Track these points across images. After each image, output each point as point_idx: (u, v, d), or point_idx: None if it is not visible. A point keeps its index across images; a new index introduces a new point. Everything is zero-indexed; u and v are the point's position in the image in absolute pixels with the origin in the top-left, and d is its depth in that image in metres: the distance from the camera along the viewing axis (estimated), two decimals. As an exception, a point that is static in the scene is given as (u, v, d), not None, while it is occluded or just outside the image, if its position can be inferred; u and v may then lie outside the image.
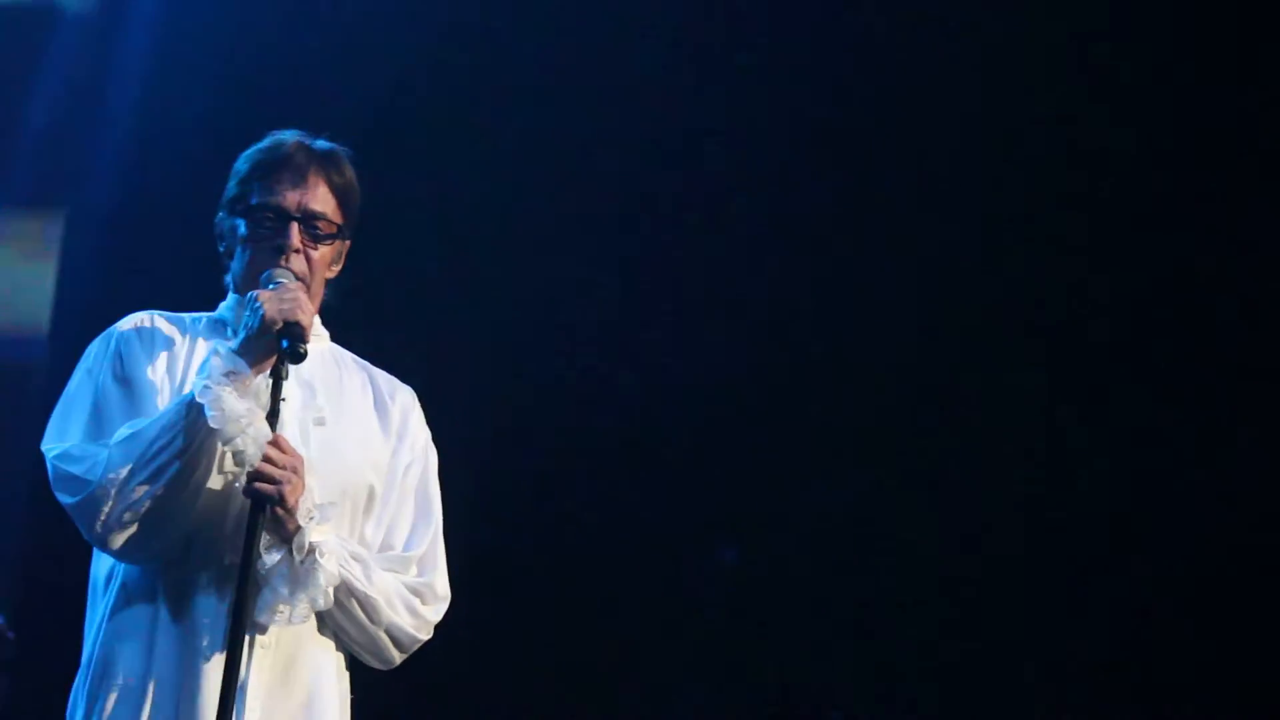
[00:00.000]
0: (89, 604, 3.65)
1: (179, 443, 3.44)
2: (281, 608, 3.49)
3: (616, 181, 6.86)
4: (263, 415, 3.48)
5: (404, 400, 3.86)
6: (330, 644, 3.65)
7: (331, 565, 3.54)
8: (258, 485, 3.44)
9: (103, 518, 3.45)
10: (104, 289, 6.63)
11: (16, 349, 6.84)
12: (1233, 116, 6.68)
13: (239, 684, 3.41)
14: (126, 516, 3.44)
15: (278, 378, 3.52)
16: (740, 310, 6.93)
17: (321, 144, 3.75)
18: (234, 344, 3.53)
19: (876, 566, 6.80)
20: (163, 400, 3.58)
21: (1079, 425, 6.77)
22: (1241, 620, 6.56)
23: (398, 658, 3.73)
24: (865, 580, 6.79)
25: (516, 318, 6.82)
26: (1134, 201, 6.75)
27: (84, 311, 6.55)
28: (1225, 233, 6.68)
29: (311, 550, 3.51)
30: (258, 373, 3.51)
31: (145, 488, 3.44)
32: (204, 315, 3.78)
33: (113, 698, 3.49)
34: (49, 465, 3.55)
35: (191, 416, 3.45)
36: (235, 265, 3.73)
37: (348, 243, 3.78)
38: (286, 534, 3.49)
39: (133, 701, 3.47)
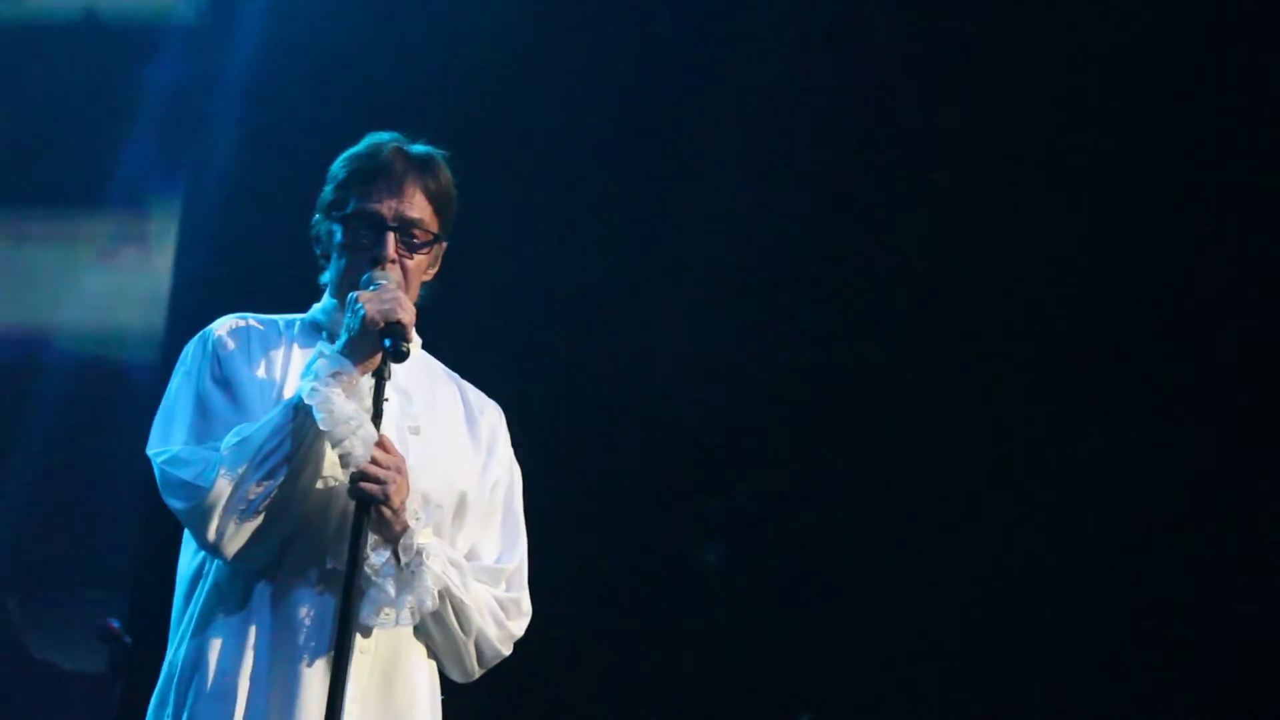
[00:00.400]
0: (176, 603, 3.66)
1: (288, 445, 3.46)
2: (387, 610, 3.50)
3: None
4: (369, 417, 3.49)
5: (492, 416, 3.87)
6: (424, 649, 3.65)
7: (437, 568, 3.55)
8: (363, 485, 3.44)
9: (216, 523, 3.46)
10: (217, 289, 6.71)
11: (131, 351, 6.95)
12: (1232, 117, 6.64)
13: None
14: (239, 520, 3.46)
15: (380, 379, 3.53)
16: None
17: (419, 148, 3.75)
18: (337, 346, 3.54)
19: (853, 567, 6.80)
20: (264, 401, 3.59)
21: (1080, 434, 6.74)
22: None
23: (478, 670, 3.73)
24: (843, 582, 6.80)
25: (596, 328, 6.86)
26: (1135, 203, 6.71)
27: (197, 312, 6.64)
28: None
29: (419, 552, 3.52)
30: (362, 373, 3.52)
31: (258, 491, 3.46)
32: (296, 318, 3.79)
33: (203, 698, 3.49)
34: (156, 470, 3.57)
35: (300, 419, 3.47)
36: (331, 270, 3.74)
37: (444, 246, 3.78)
38: (393, 535, 3.50)
39: (224, 702, 3.48)
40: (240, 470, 3.46)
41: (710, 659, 6.82)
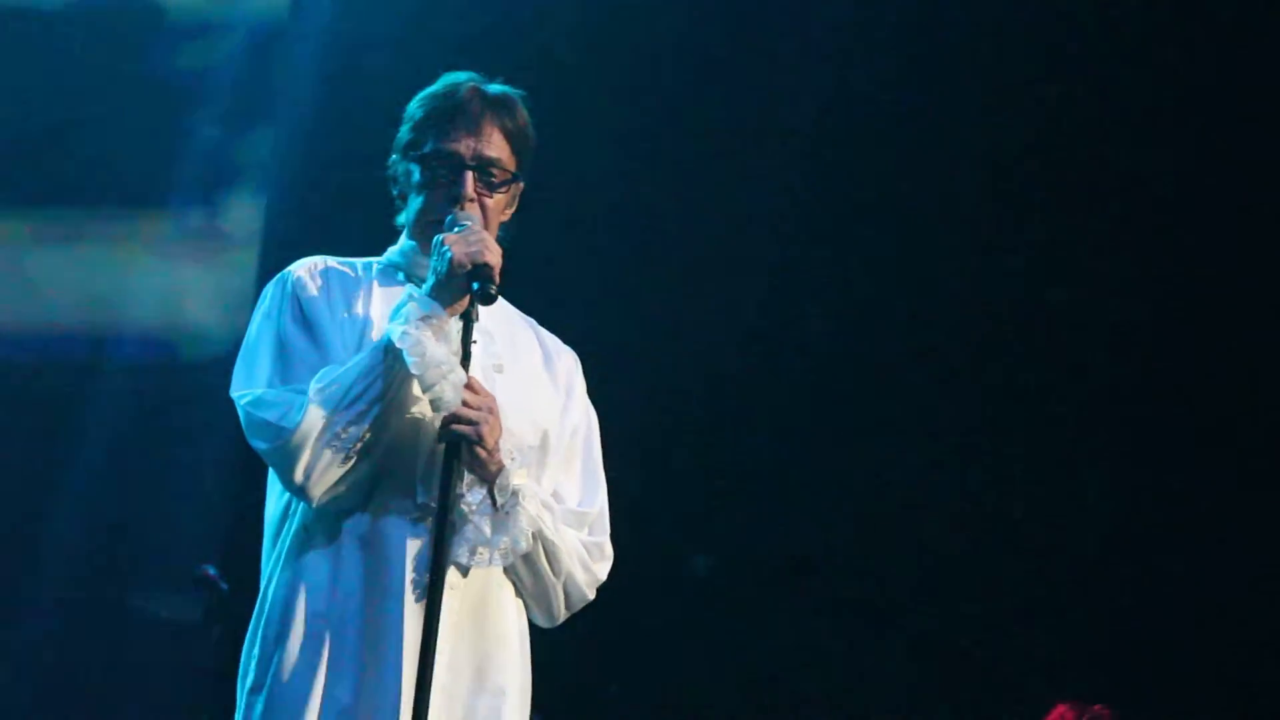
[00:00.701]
0: (265, 544, 3.66)
1: (378, 387, 3.46)
2: (481, 549, 3.50)
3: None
4: (458, 360, 3.49)
5: (568, 361, 3.85)
6: (511, 588, 3.64)
7: (531, 509, 3.55)
8: (456, 427, 3.44)
9: (303, 464, 3.46)
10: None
11: (219, 344, 6.97)
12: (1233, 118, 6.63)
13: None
14: (326, 462, 3.46)
15: (468, 321, 3.52)
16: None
17: (495, 88, 3.73)
18: (425, 288, 3.52)
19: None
20: (344, 341, 3.59)
21: (1073, 437, 6.80)
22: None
23: (564, 614, 3.72)
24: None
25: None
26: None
27: None
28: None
29: (515, 493, 3.51)
30: (450, 316, 3.51)
31: (345, 432, 3.45)
32: (373, 260, 3.78)
33: (294, 636, 3.50)
34: (240, 411, 3.57)
35: (389, 361, 3.47)
36: (409, 211, 3.73)
37: (521, 186, 3.76)
38: (489, 475, 3.50)
39: (316, 640, 3.49)
40: (328, 411, 3.46)
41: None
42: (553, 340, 3.88)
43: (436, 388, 3.45)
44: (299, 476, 3.48)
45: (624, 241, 6.97)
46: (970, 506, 6.93)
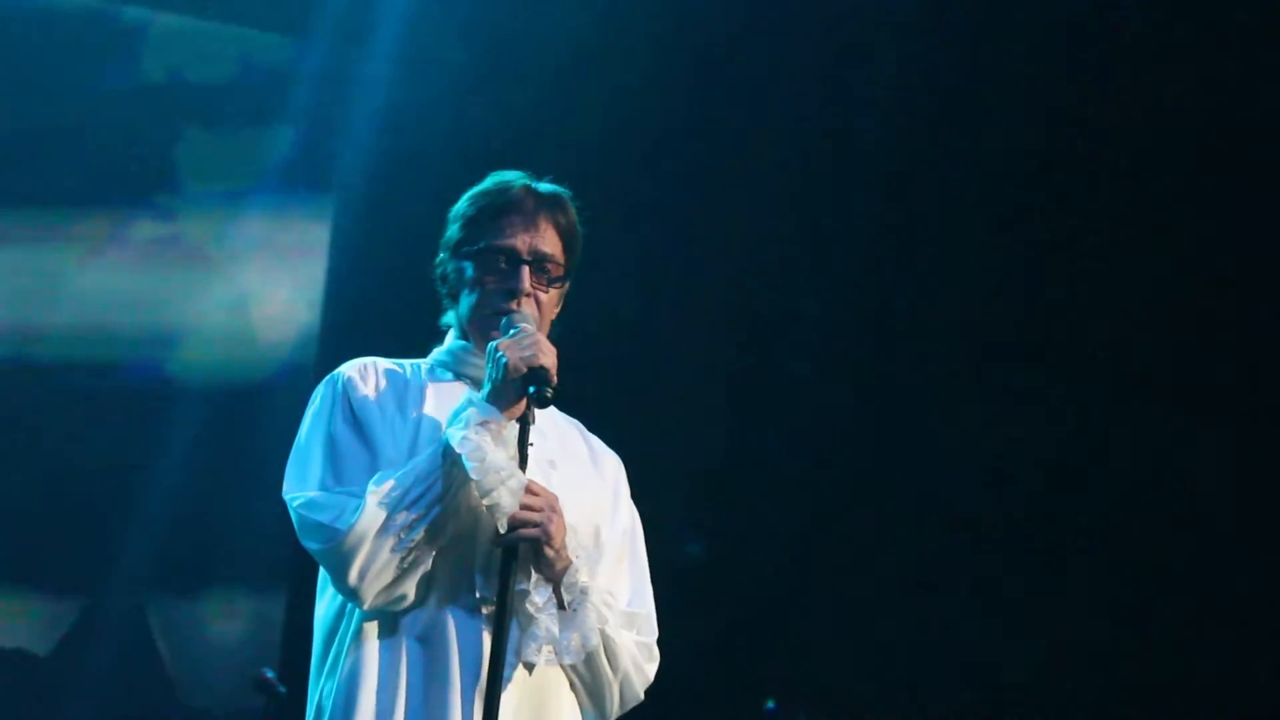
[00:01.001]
0: (315, 646, 3.64)
1: (436, 490, 3.45)
2: (549, 647, 3.48)
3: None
4: (516, 464, 3.47)
5: (613, 463, 3.86)
6: (568, 688, 3.61)
7: (599, 604, 3.54)
8: (524, 532, 3.43)
9: (357, 567, 3.44)
10: (367, 291, 6.86)
11: (289, 353, 7.05)
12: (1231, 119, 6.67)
13: None
14: (381, 564, 3.44)
15: (524, 423, 3.51)
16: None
17: (546, 186, 3.75)
18: (483, 394, 3.52)
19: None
20: (396, 443, 3.58)
21: (1076, 435, 6.79)
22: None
23: (616, 714, 3.69)
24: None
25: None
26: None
27: (352, 310, 6.83)
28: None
29: (583, 590, 3.50)
30: (508, 420, 3.50)
31: (401, 535, 3.44)
32: (421, 361, 3.78)
33: None
34: (293, 513, 3.56)
35: (448, 466, 3.46)
36: (462, 308, 3.73)
37: (569, 285, 3.78)
38: (554, 574, 3.49)
39: None
40: (385, 514, 3.44)
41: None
42: (597, 442, 3.88)
43: (495, 493, 3.43)
44: (353, 578, 3.46)
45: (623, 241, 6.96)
46: (969, 506, 6.86)
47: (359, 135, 7.08)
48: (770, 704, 6.53)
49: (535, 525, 3.44)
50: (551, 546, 3.47)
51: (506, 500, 3.43)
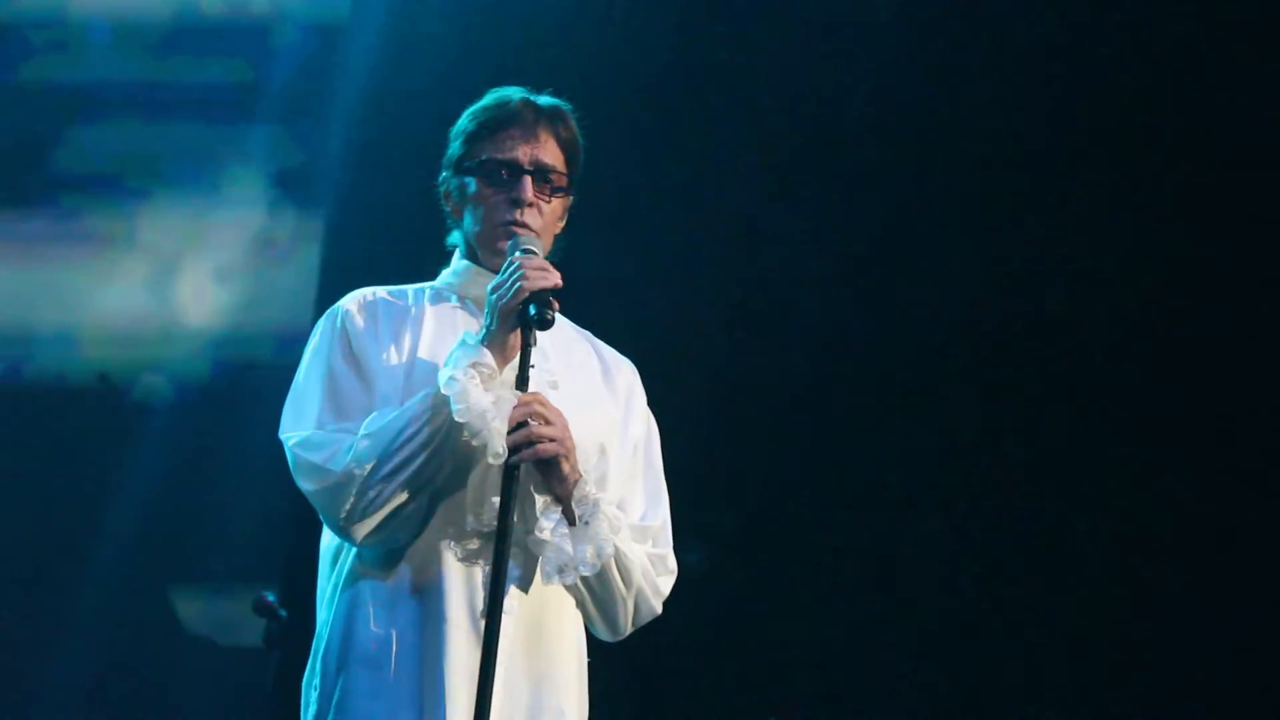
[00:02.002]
0: (320, 575, 3.67)
1: (425, 434, 3.46)
2: (567, 565, 3.47)
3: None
4: (508, 409, 3.44)
5: (627, 373, 3.85)
6: (572, 610, 3.63)
7: (610, 513, 3.53)
8: (541, 448, 3.42)
9: (347, 507, 3.47)
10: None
11: (283, 347, 7.02)
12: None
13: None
14: (370, 507, 3.46)
15: (526, 345, 3.50)
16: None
17: (546, 99, 3.76)
18: (479, 335, 3.52)
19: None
20: (393, 379, 3.59)
21: (1069, 440, 6.80)
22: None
23: (630, 628, 3.70)
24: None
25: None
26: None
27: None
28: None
29: (594, 502, 3.49)
30: (503, 364, 3.50)
31: (391, 479, 3.45)
32: (426, 285, 3.79)
33: (354, 666, 3.50)
34: (288, 452, 3.58)
35: (437, 409, 3.46)
36: (467, 223, 3.73)
37: (571, 199, 3.78)
38: (566, 490, 3.49)
39: (376, 670, 3.49)
40: (374, 456, 3.46)
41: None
42: (610, 353, 3.87)
43: (482, 434, 3.44)
44: (341, 517, 3.49)
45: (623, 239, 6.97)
46: (971, 506, 6.86)
47: (337, 126, 7.09)
48: None
49: (552, 440, 3.43)
50: (568, 461, 3.46)
51: (495, 442, 3.42)
